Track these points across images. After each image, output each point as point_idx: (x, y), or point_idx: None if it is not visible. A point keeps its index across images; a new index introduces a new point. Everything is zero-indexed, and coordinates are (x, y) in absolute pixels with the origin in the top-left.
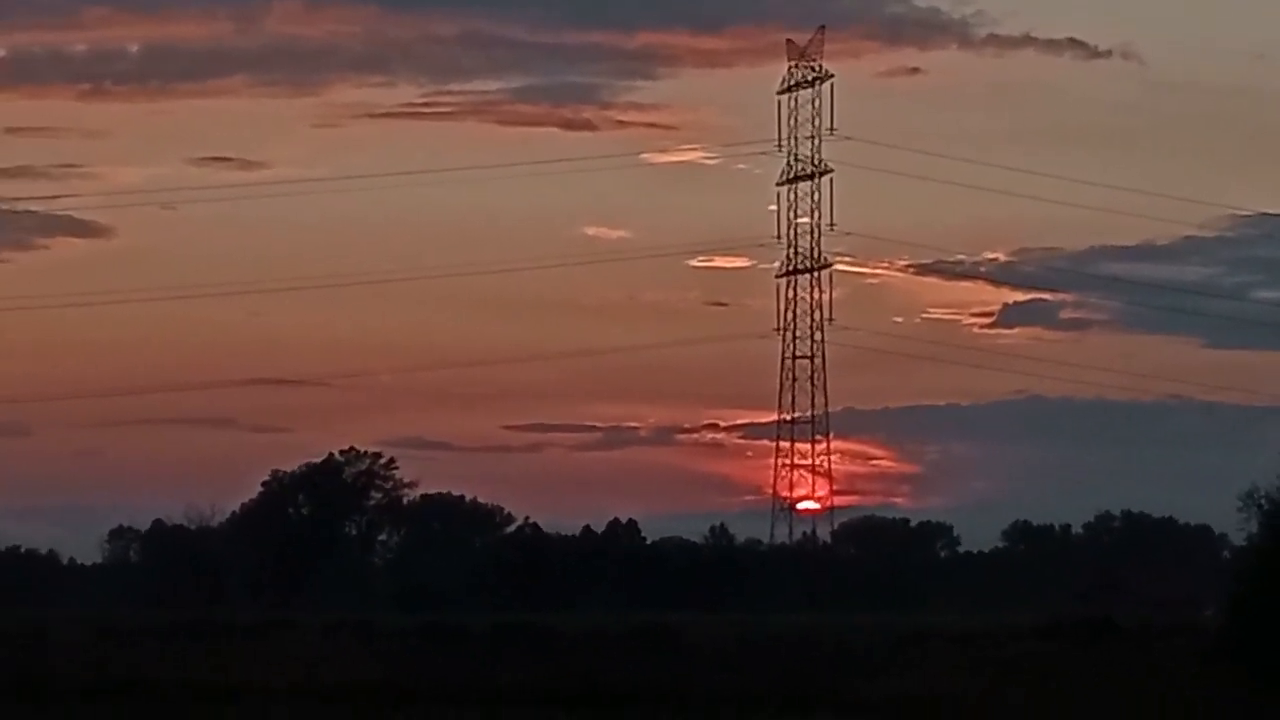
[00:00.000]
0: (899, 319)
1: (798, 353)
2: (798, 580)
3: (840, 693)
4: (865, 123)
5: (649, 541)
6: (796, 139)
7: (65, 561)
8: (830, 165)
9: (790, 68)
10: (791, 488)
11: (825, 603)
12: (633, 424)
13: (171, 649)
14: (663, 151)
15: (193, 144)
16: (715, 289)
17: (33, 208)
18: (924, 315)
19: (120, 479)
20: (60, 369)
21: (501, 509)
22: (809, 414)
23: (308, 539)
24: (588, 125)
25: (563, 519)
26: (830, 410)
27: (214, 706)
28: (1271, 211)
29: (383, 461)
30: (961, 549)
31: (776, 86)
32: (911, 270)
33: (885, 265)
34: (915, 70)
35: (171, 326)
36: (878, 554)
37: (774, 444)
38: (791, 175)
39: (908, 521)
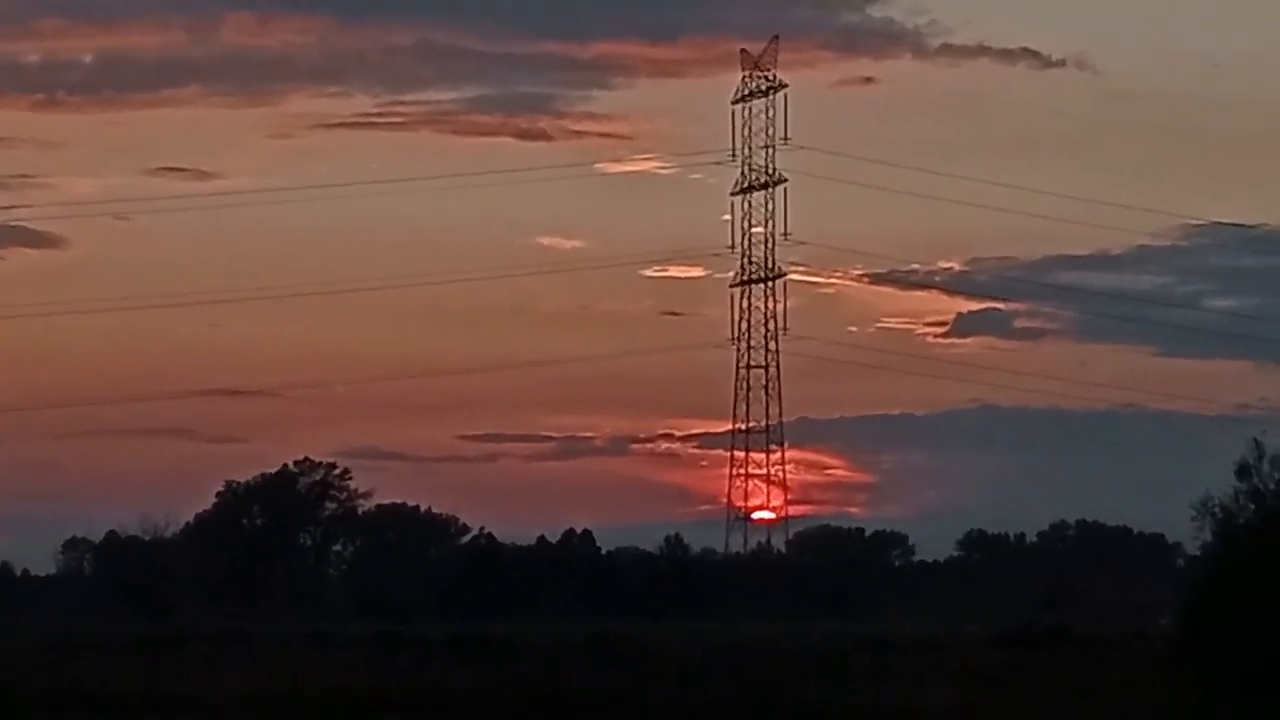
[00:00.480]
0: (853, 328)
1: (752, 362)
2: (753, 589)
3: (800, 702)
4: (819, 132)
5: (604, 551)
6: (751, 149)
7: (19, 573)
8: (784, 175)
9: (744, 77)
10: (746, 497)
11: (780, 612)
12: (587, 434)
13: (126, 660)
14: (617, 161)
15: (147, 154)
16: (670, 299)
17: None
18: (878, 325)
19: (74, 490)
20: (14, 380)
21: (456, 519)
22: (763, 423)
23: (262, 549)
24: (542, 135)
25: (518, 529)
26: (785, 420)
27: (169, 718)
28: (1224, 221)
29: (337, 472)
30: (916, 558)
31: (731, 96)
32: (865, 280)
33: (839, 275)
34: (869, 80)
35: (126, 337)
36: (833, 563)
37: (729, 453)
38: (745, 185)
39: (862, 531)
